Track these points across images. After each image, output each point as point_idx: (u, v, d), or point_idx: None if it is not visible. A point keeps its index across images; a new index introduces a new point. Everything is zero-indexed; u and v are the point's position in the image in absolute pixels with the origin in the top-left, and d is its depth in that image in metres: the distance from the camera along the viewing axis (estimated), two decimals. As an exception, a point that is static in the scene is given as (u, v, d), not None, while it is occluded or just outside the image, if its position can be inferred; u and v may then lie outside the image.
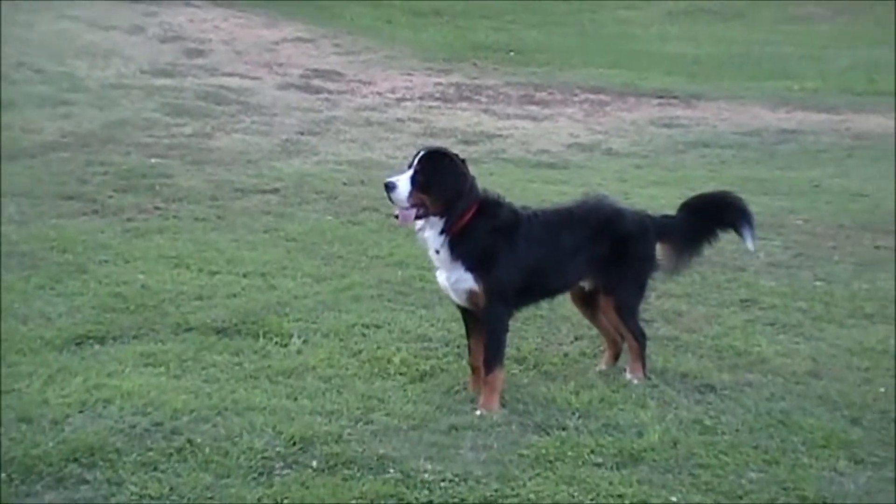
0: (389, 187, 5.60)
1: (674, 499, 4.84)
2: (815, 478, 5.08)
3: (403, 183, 5.59)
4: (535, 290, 5.99)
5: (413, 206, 5.60)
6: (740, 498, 4.90)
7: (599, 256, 6.01)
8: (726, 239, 8.92)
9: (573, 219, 6.02)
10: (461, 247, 5.66)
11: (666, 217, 6.37)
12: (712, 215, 6.36)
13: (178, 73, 15.35)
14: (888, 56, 19.75)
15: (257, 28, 19.42)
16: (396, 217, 5.73)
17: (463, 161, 5.79)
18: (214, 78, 15.26)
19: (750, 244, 6.38)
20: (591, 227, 6.02)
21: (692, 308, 7.42)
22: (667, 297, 7.60)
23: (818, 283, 8.05)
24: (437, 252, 5.71)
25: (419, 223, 5.68)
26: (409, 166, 5.67)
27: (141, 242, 8.28)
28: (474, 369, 5.89)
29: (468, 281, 5.69)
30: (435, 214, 5.64)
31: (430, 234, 5.69)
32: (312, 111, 13.85)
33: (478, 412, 5.60)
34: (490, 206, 5.76)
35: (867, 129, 14.28)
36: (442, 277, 5.79)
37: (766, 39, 21.62)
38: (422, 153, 5.70)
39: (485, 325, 5.77)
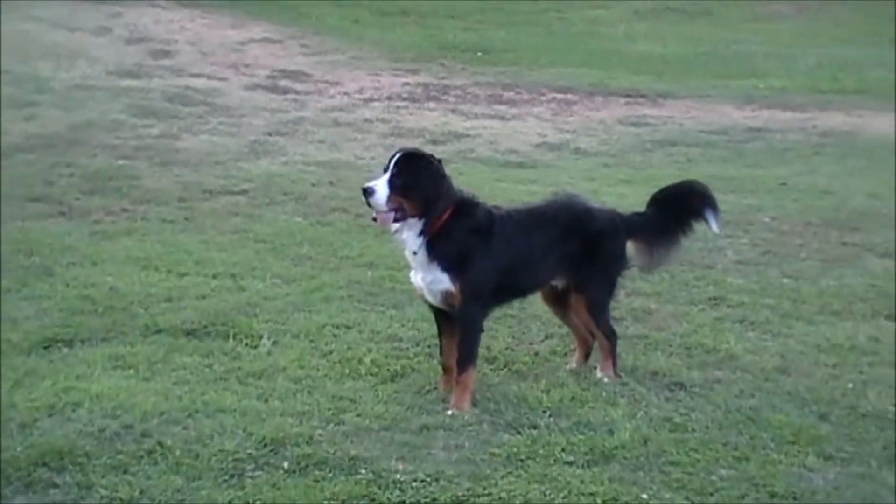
0: (368, 192, 5.58)
1: (644, 496, 4.86)
2: (784, 474, 5.11)
3: (381, 187, 5.57)
4: (508, 289, 6.00)
5: (391, 209, 5.59)
6: (710, 495, 4.92)
7: (571, 255, 6.03)
8: (694, 237, 9.08)
9: (545, 218, 6.03)
10: (438, 248, 5.67)
11: (636, 214, 6.39)
12: (678, 206, 6.38)
13: (144, 74, 15.27)
14: (852, 54, 19.90)
15: (223, 29, 19.35)
16: (375, 220, 5.71)
17: (439, 161, 5.78)
18: (181, 79, 15.19)
19: (715, 227, 6.39)
20: (562, 226, 6.04)
21: (661, 306, 7.45)
22: (636, 295, 7.63)
23: (786, 281, 8.10)
24: (415, 253, 5.70)
25: (396, 225, 5.66)
26: (386, 169, 5.65)
27: (109, 244, 8.24)
28: (446, 369, 5.89)
29: (444, 282, 5.69)
30: (413, 216, 5.63)
31: (409, 236, 5.68)
32: (280, 112, 13.81)
33: (449, 412, 5.60)
34: (466, 207, 5.77)
35: (832, 127, 14.38)
36: (417, 278, 5.78)
37: (732, 38, 21.73)
38: (398, 155, 5.68)
39: (460, 325, 5.77)
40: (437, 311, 5.89)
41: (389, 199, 5.56)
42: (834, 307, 7.52)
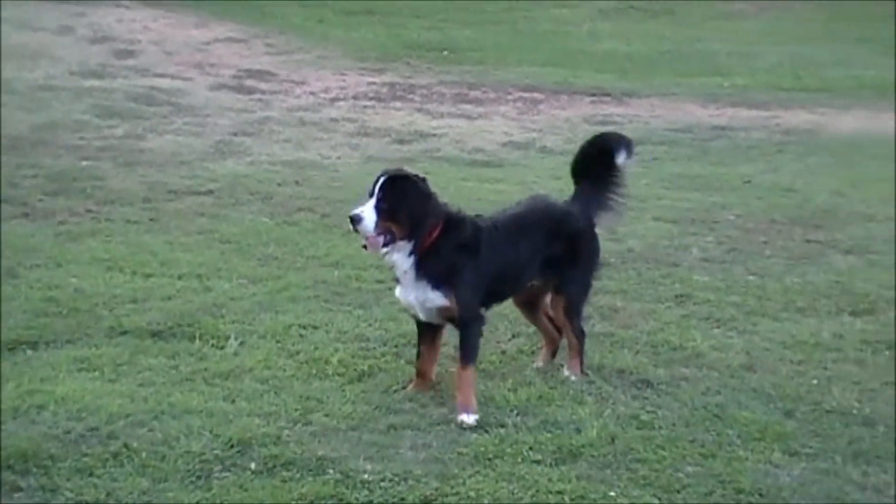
0: (355, 220, 5.52)
1: (612, 493, 4.88)
2: (750, 470, 5.15)
3: (369, 213, 5.52)
4: (495, 295, 6.04)
5: (380, 234, 5.55)
6: (678, 492, 4.95)
7: (553, 257, 6.08)
8: (659, 235, 9.16)
9: (528, 224, 6.06)
10: (428, 266, 5.64)
11: (578, 201, 6.37)
12: (595, 164, 6.43)
13: (108, 74, 15.17)
14: (814, 53, 20.03)
15: (188, 28, 19.26)
16: (365, 247, 5.65)
17: (424, 180, 5.72)
18: (145, 79, 15.10)
19: (622, 160, 6.39)
20: (545, 229, 6.09)
21: (628, 304, 7.47)
22: (602, 293, 7.63)
23: (751, 278, 8.14)
24: (405, 273, 5.67)
25: (386, 249, 5.61)
26: (371, 194, 5.59)
27: (73, 246, 8.18)
28: (421, 374, 5.89)
29: (438, 298, 5.67)
30: (402, 239, 5.59)
31: (399, 257, 5.64)
32: (245, 112, 13.76)
33: (461, 417, 5.54)
34: (454, 223, 5.74)
35: (795, 125, 14.46)
36: (408, 296, 5.73)
37: (695, 36, 21.82)
38: (382, 179, 5.61)
39: (463, 332, 5.78)
40: (421, 321, 5.89)
41: (377, 224, 5.52)
42: (798, 304, 7.57)
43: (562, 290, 6.17)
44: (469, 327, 5.77)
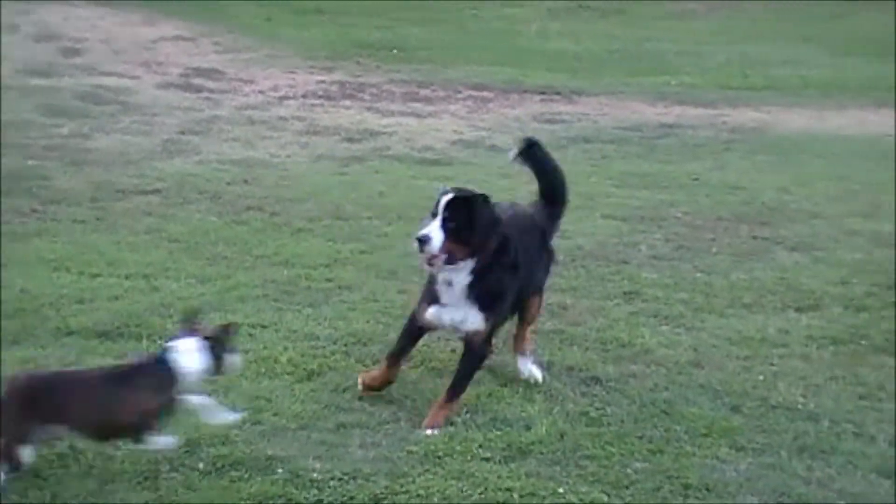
0: (423, 241, 5.39)
1: (561, 490, 4.91)
2: (697, 465, 5.19)
3: (436, 234, 5.39)
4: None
5: (443, 253, 5.43)
6: (626, 487, 4.98)
7: (540, 261, 6.13)
8: (608, 233, 9.21)
9: (527, 236, 5.96)
10: (478, 287, 5.54)
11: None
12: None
13: (54, 72, 15.02)
14: (761, 52, 20.21)
15: (135, 26, 19.12)
16: (431, 264, 5.50)
17: (487, 199, 5.57)
18: (92, 77, 14.97)
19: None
20: (537, 236, 6.09)
21: (577, 301, 7.51)
22: (552, 291, 7.62)
23: (698, 275, 8.21)
24: (457, 292, 5.55)
25: (449, 267, 5.49)
26: (435, 213, 5.46)
27: (19, 246, 8.09)
28: (390, 364, 5.81)
29: (477, 321, 5.61)
30: (463, 258, 5.48)
31: (456, 276, 5.52)
32: (193, 110, 13.67)
33: (427, 432, 5.47)
34: (504, 242, 5.61)
35: (742, 123, 14.59)
36: (447, 315, 5.62)
37: (644, 36, 21.95)
38: (448, 199, 5.45)
39: (471, 357, 5.70)
40: (416, 329, 5.80)
41: (444, 245, 5.40)
42: (745, 300, 7.64)
43: (538, 290, 6.22)
44: (480, 354, 5.72)
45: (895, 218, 9.74)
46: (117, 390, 4.77)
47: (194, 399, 4.92)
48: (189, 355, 4.87)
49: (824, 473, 5.14)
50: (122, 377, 4.86)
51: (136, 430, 4.77)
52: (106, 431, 4.80)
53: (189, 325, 5.00)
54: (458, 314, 5.61)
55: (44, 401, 4.66)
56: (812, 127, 14.46)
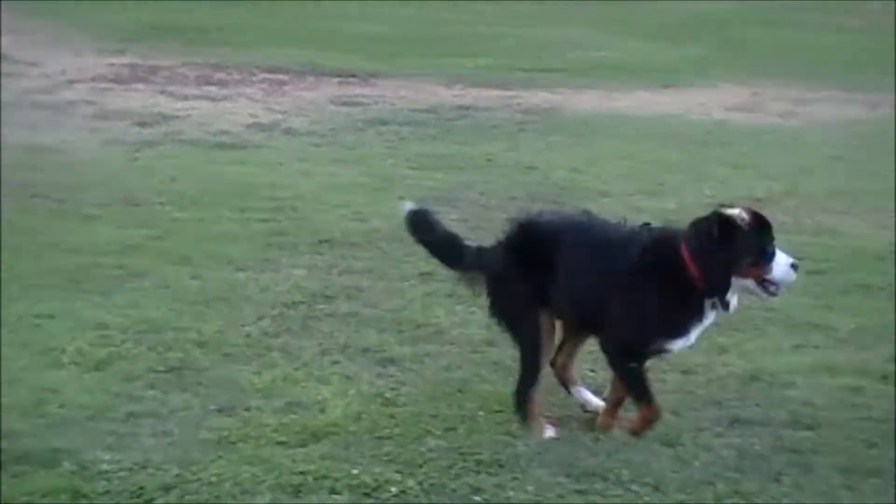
0: (796, 267, 5.20)
1: (355, 472, 4.91)
2: (490, 442, 5.27)
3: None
4: None
5: None
6: (420, 466, 5.02)
7: None
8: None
9: None
10: None
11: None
12: None
13: None
14: (553, 34, 20.64)
15: (-89, 6, 18.27)
16: (774, 294, 5.24)
17: None
18: None
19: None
20: None
21: (373, 283, 7.52)
22: (348, 273, 7.69)
23: (492, 254, 8.30)
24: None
25: None
26: (772, 248, 5.17)
27: None
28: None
29: None
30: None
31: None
32: (-25, 94, 13.15)
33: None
34: None
35: (536, 104, 14.83)
36: (694, 336, 5.35)
37: (440, 18, 22.13)
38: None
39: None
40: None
41: None
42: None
43: None
44: None
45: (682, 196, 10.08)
46: None
47: None
48: None
49: (610, 444, 5.27)
50: None
51: None
52: None
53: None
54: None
55: None
56: (602, 108, 14.81)
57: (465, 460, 5.10)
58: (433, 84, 15.98)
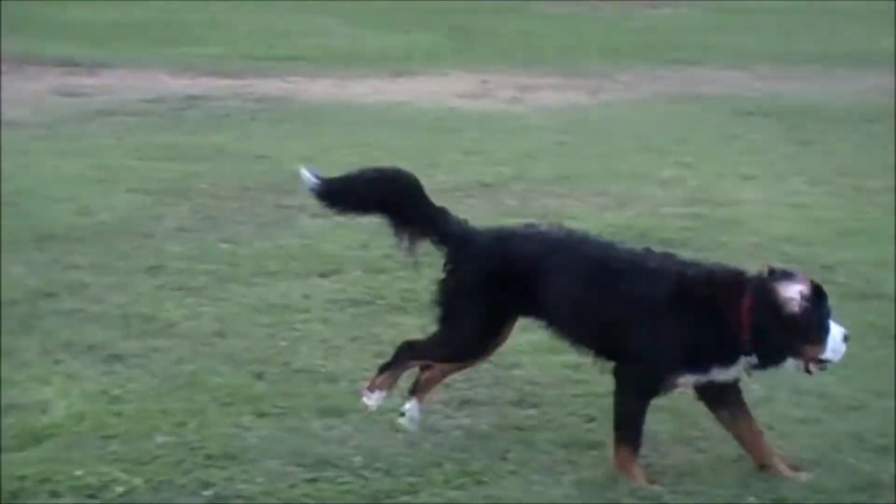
0: (847, 339, 4.82)
1: (79, 473, 4.77)
2: (220, 435, 5.21)
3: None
4: None
5: None
6: (147, 463, 4.91)
7: None
8: (133, 207, 9.05)
9: None
10: None
11: None
12: None
13: None
14: (286, 22, 20.57)
15: None
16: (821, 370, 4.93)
17: None
18: None
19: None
20: None
21: (99, 278, 7.32)
22: (72, 269, 7.47)
23: (224, 245, 8.21)
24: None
25: None
26: (829, 323, 4.79)
27: None
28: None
29: None
30: None
31: None
32: None
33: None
34: None
35: (268, 93, 14.73)
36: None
37: (167, 6, 21.71)
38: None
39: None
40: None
41: None
42: (270, 268, 7.73)
43: None
44: None
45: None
46: None
47: None
48: None
49: (342, 431, 5.29)
50: None
51: None
52: None
53: None
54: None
55: None
56: (334, 96, 14.84)
57: (194, 455, 5.02)
58: (162, 73, 15.71)
